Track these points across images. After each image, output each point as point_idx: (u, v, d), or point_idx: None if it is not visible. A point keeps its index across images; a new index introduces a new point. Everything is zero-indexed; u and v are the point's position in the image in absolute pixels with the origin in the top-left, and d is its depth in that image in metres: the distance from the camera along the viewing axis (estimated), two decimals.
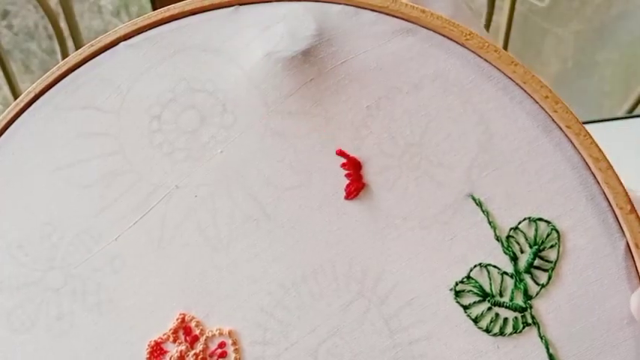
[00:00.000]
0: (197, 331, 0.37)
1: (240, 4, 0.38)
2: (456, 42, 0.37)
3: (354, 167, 0.37)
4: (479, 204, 0.36)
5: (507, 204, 0.36)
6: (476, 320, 0.35)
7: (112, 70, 0.39)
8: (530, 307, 0.35)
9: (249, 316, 0.37)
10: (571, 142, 0.36)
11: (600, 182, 0.35)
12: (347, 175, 0.37)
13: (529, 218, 0.36)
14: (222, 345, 0.37)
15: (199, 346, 0.37)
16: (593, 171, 0.35)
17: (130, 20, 0.39)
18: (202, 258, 0.37)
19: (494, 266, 0.36)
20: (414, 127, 0.37)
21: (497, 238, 0.36)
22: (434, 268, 0.36)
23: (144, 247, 0.37)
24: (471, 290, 0.36)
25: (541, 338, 0.35)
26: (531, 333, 0.35)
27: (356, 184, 0.37)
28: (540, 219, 0.36)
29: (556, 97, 0.35)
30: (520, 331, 0.35)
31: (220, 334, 0.37)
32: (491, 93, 0.36)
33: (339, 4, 0.38)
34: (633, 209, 0.35)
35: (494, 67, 0.36)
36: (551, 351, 0.35)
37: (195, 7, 0.39)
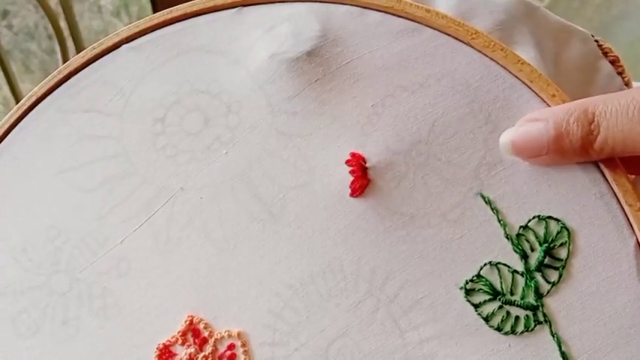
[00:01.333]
0: (206, 333, 0.37)
1: (244, 5, 0.38)
2: (462, 41, 0.37)
3: (358, 163, 0.37)
4: (488, 202, 0.36)
5: (516, 202, 0.36)
6: (487, 319, 0.35)
7: (115, 73, 0.39)
8: (542, 305, 0.35)
9: (257, 318, 0.37)
10: None
11: (609, 180, 0.35)
12: (351, 172, 0.37)
13: (539, 216, 0.35)
14: (231, 347, 0.36)
15: (208, 348, 0.37)
16: (602, 169, 0.35)
17: (130, 20, 0.39)
18: (209, 260, 0.37)
19: (505, 264, 0.36)
20: (421, 125, 0.36)
21: (507, 237, 0.36)
22: (443, 267, 0.36)
23: (150, 250, 0.37)
24: (481, 289, 0.36)
25: (553, 336, 0.35)
26: (543, 331, 0.35)
27: (361, 181, 0.36)
28: (550, 217, 0.35)
29: (563, 95, 0.35)
30: (532, 330, 0.35)
31: (229, 335, 0.37)
32: (498, 92, 0.36)
33: (344, 4, 0.37)
34: None
35: (501, 66, 0.36)
36: (563, 349, 0.35)
37: (199, 8, 0.38)
